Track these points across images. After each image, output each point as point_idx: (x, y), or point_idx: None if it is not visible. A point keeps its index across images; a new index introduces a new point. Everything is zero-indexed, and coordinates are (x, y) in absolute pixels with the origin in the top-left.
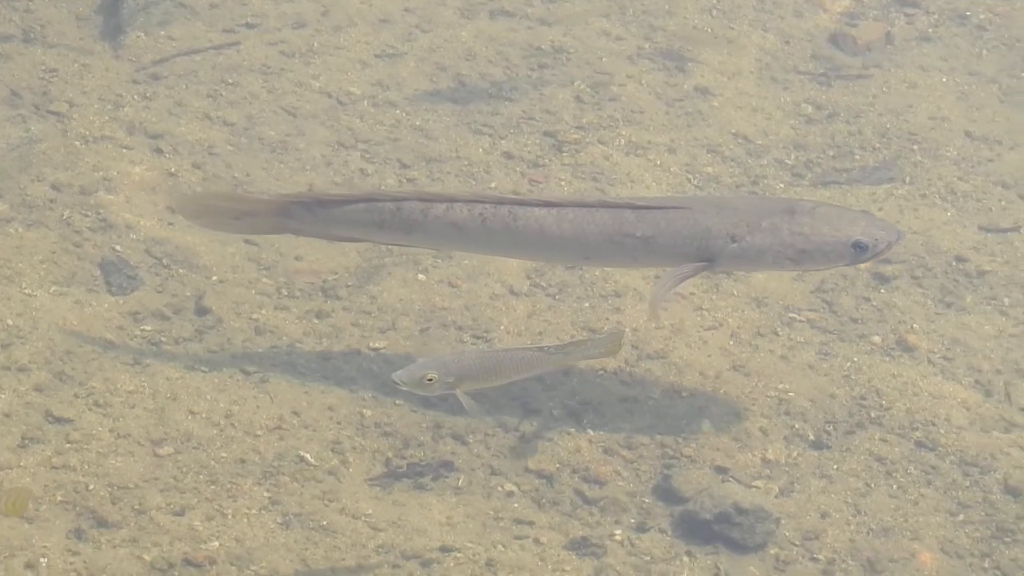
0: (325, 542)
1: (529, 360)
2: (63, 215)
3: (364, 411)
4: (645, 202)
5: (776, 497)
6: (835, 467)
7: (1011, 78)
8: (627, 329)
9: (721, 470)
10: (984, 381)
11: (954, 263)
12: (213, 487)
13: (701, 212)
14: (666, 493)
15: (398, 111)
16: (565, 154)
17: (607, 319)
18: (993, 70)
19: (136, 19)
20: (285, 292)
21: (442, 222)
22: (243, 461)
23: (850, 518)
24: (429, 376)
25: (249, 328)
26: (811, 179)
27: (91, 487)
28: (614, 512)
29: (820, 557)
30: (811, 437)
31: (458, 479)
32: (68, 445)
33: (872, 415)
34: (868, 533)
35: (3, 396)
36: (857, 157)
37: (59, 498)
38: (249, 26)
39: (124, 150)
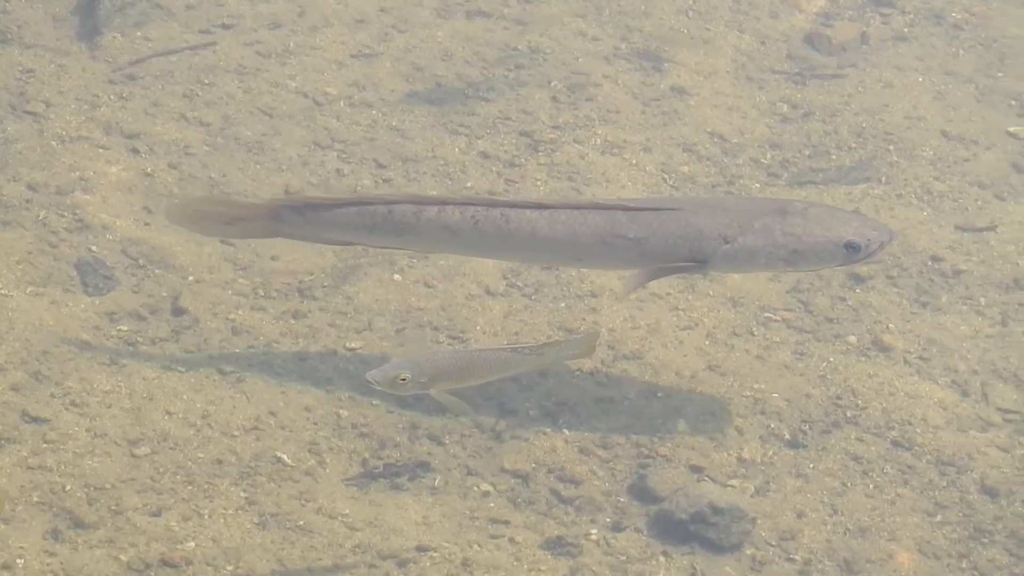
0: (302, 542)
1: (503, 361)
2: (39, 215)
3: (341, 411)
4: (637, 204)
5: (752, 497)
6: (811, 466)
7: (987, 78)
8: (603, 329)
9: (697, 469)
10: (961, 381)
11: (930, 263)
12: (190, 487)
13: (693, 213)
14: (642, 493)
15: (374, 111)
16: (541, 153)
17: (583, 319)
18: (969, 70)
19: (112, 20)
20: (262, 292)
21: (434, 225)
22: (220, 461)
23: (826, 518)
24: (402, 376)
25: (226, 328)
26: (787, 179)
27: (68, 488)
28: (590, 512)
29: (796, 557)
30: (787, 436)
31: (434, 479)
32: (44, 445)
33: (848, 415)
34: (845, 533)
35: None
36: (833, 157)
37: (36, 499)
38: (225, 27)
39: (100, 150)
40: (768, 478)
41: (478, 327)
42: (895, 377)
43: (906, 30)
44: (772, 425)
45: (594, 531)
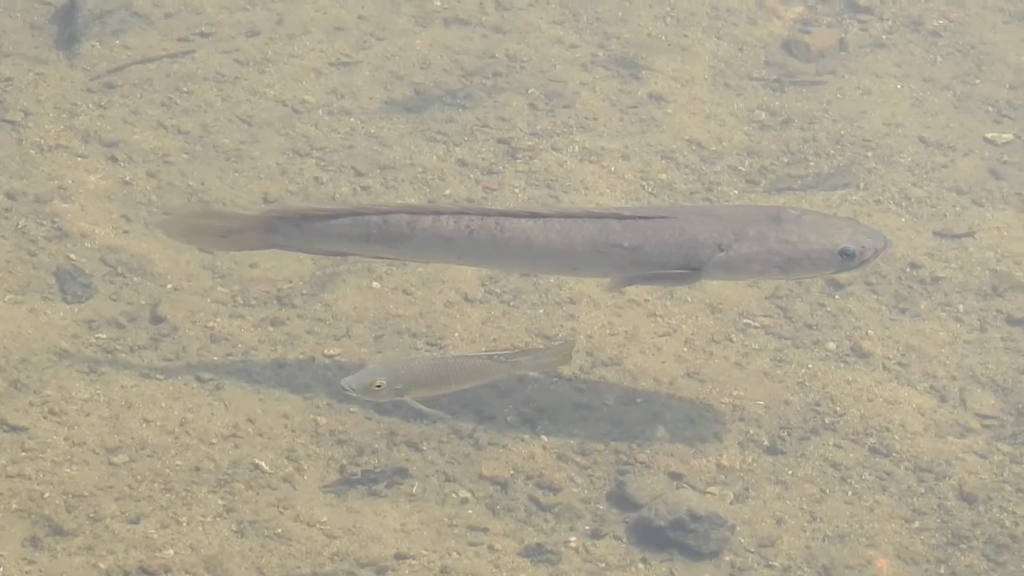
0: (280, 550)
1: (479, 368)
2: (18, 224)
3: (319, 419)
4: (631, 212)
5: (731, 503)
6: (790, 473)
7: (965, 84)
8: (581, 336)
9: (676, 476)
10: (939, 387)
11: (908, 269)
12: (168, 495)
13: (688, 221)
14: (620, 500)
15: (353, 119)
16: (519, 161)
17: (561, 326)
18: (947, 76)
19: (91, 28)
20: (240, 300)
21: (429, 235)
22: (198, 469)
23: (805, 524)
24: (378, 383)
25: (204, 336)
26: (765, 185)
27: (46, 495)
28: (568, 519)
29: (776, 564)
30: (766, 443)
31: (412, 486)
32: (23, 454)
33: (827, 421)
34: (824, 539)
35: None
36: (811, 163)
37: (14, 506)
38: (203, 35)
39: (79, 159)
40: (747, 485)
41: (456, 334)
42: (874, 383)
43: (884, 37)
44: (751, 432)
45: (573, 538)
